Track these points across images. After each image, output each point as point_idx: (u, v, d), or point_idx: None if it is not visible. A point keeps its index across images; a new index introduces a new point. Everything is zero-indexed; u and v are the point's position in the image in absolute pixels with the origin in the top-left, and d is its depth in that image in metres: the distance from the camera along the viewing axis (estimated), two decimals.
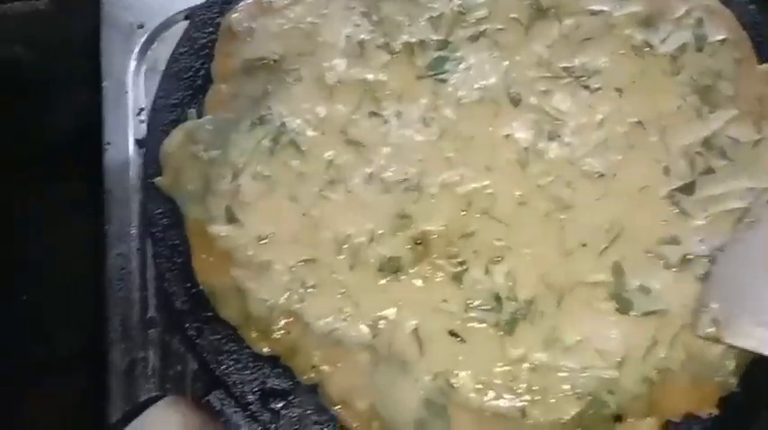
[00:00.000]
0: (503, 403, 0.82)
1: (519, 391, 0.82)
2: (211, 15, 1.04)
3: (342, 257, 0.88)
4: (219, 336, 0.86)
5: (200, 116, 0.98)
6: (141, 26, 1.23)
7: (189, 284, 0.88)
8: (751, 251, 0.85)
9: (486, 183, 0.92)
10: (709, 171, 0.93)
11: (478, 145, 0.94)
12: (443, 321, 0.86)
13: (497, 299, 0.86)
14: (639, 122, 0.95)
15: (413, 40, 1.00)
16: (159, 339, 1.02)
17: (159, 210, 0.93)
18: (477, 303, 0.86)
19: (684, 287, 0.86)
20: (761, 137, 0.94)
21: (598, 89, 0.97)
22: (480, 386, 0.83)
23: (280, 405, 0.84)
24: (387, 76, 0.98)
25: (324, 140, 0.94)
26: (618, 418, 0.82)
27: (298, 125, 0.95)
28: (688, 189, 0.92)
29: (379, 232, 0.89)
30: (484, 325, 0.85)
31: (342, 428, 0.83)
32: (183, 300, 0.88)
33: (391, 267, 0.87)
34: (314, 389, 0.84)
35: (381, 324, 0.85)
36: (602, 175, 0.92)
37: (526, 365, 0.83)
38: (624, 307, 0.85)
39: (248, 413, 0.83)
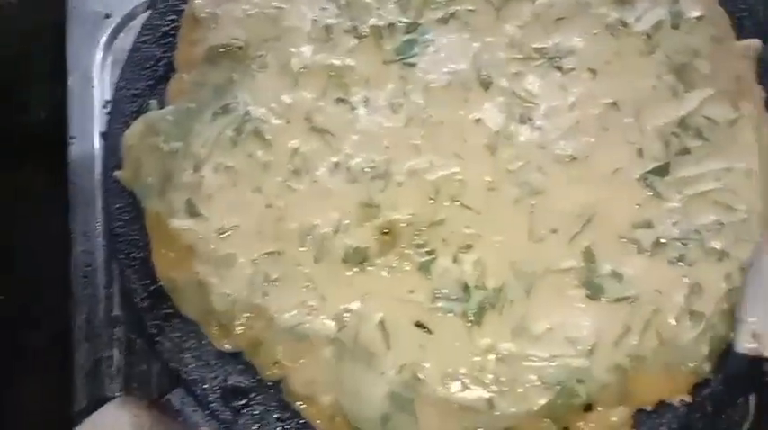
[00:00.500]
0: (470, 395, 0.80)
1: (486, 382, 0.80)
2: (174, 2, 1.01)
3: (307, 249, 0.86)
4: (180, 334, 0.85)
5: (162, 107, 0.95)
6: (108, 16, 1.20)
7: (148, 281, 0.86)
8: None
9: (456, 169, 0.89)
10: (685, 152, 0.90)
11: (448, 130, 0.91)
12: (410, 312, 0.84)
13: (465, 288, 0.84)
14: (614, 103, 0.92)
15: (381, 23, 0.97)
16: (125, 337, 1.00)
17: (119, 205, 0.90)
18: (444, 293, 0.83)
19: (657, 272, 0.84)
20: (737, 115, 0.92)
21: (571, 70, 0.94)
22: (447, 378, 0.80)
23: (241, 402, 0.82)
24: (354, 61, 0.95)
25: (289, 129, 0.92)
26: (588, 408, 0.80)
27: (262, 113, 0.92)
28: (662, 170, 0.89)
29: (345, 222, 0.87)
30: (451, 315, 0.83)
31: (305, 425, 0.80)
32: (142, 297, 0.86)
33: (357, 258, 0.85)
34: (277, 385, 0.82)
35: (347, 316, 0.83)
36: (574, 159, 0.89)
37: (494, 356, 0.81)
38: (595, 293, 0.83)
39: (209, 411, 0.82)
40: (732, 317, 0.84)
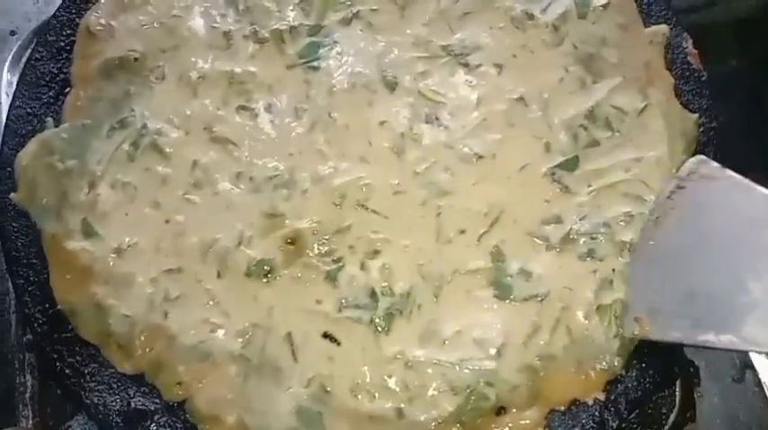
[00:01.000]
0: (379, 405, 0.78)
1: (395, 391, 0.79)
2: (69, 17, 0.98)
3: (208, 264, 0.84)
4: (80, 358, 0.81)
5: (59, 125, 0.92)
6: (14, 33, 1.17)
7: (47, 304, 0.83)
8: (660, 248, 0.81)
9: (362, 173, 0.88)
10: (594, 144, 0.89)
11: (352, 134, 0.90)
12: (318, 323, 0.82)
13: (372, 294, 0.82)
14: (520, 98, 0.91)
15: (282, 26, 0.95)
16: (38, 362, 0.96)
17: (15, 227, 0.87)
18: (351, 301, 0.81)
19: (566, 268, 0.84)
20: (646, 103, 0.91)
21: (477, 66, 0.93)
22: (356, 389, 0.79)
23: (145, 426, 0.79)
24: (255, 67, 0.93)
25: (188, 140, 0.90)
26: (500, 411, 0.78)
27: (160, 126, 0.90)
28: (571, 164, 0.89)
29: (248, 234, 0.85)
30: (359, 324, 0.81)
31: None
32: (40, 322, 0.83)
33: (261, 271, 0.83)
34: (181, 406, 0.79)
35: (252, 332, 0.81)
36: (480, 157, 0.88)
37: (402, 363, 0.80)
38: (503, 293, 0.82)
39: None
40: None
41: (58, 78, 0.95)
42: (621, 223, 0.85)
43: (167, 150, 0.89)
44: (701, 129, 0.91)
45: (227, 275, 0.83)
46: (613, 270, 0.84)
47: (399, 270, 0.84)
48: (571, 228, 0.85)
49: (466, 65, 0.93)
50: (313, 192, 0.87)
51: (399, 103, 0.91)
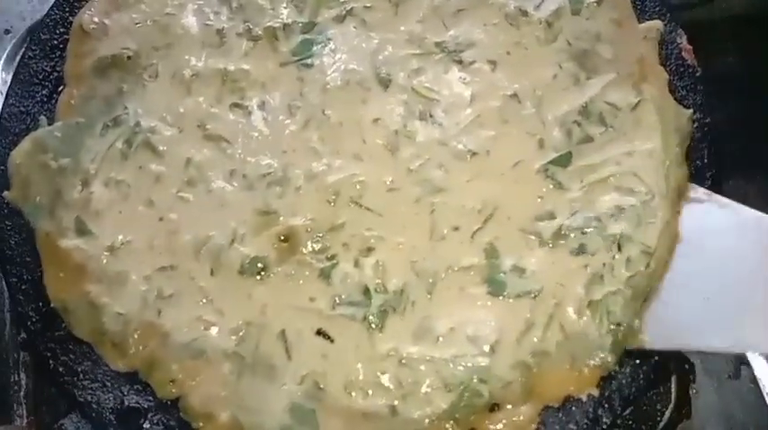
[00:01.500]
0: (373, 402, 0.78)
1: (389, 388, 0.78)
2: (63, 15, 0.98)
3: (202, 262, 0.83)
4: (74, 356, 0.82)
5: (52, 123, 0.91)
6: (8, 32, 1.17)
7: (41, 303, 0.83)
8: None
9: (356, 171, 0.87)
10: (588, 140, 0.89)
11: (346, 131, 0.90)
12: (311, 321, 0.82)
13: (366, 292, 0.82)
14: (514, 95, 0.91)
15: (276, 24, 0.95)
16: (32, 361, 0.97)
17: (9, 225, 0.87)
18: (344, 298, 0.81)
19: (559, 264, 0.83)
20: (639, 99, 0.91)
21: (471, 63, 0.93)
22: (350, 386, 0.78)
23: (139, 424, 0.79)
24: (249, 65, 0.93)
25: (182, 138, 0.90)
26: (493, 407, 0.78)
27: (154, 124, 0.90)
28: (564, 161, 0.88)
29: (242, 232, 0.84)
30: (353, 321, 0.81)
31: None
32: (33, 320, 0.83)
33: (255, 268, 0.83)
34: (175, 404, 0.79)
35: (246, 329, 0.81)
36: (474, 154, 0.88)
37: (395, 360, 0.80)
38: (497, 290, 0.82)
39: None
40: (636, 305, 0.82)
41: (51, 77, 0.95)
42: (612, 217, 0.85)
43: (161, 148, 0.88)
44: (696, 125, 0.91)
45: (220, 273, 0.83)
46: (604, 264, 0.84)
47: (393, 267, 0.83)
48: (563, 224, 0.85)
49: (460, 62, 0.93)
50: (307, 189, 0.87)
51: (393, 101, 0.91)
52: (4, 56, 1.15)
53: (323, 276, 0.83)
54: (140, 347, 0.81)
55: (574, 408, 0.80)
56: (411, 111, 0.90)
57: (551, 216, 0.85)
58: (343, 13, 0.96)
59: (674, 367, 0.92)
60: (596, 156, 0.89)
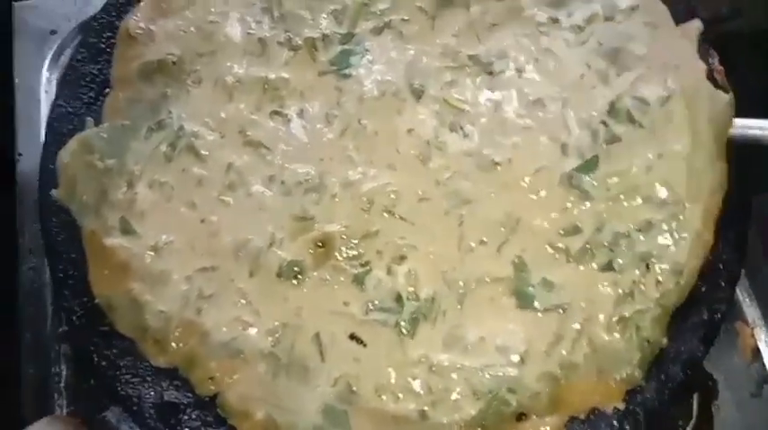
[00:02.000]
0: (403, 406, 0.80)
1: (419, 393, 0.80)
2: (110, 19, 1.01)
3: (241, 264, 0.86)
4: (116, 350, 0.84)
5: (98, 124, 0.95)
6: (54, 32, 1.20)
7: (86, 298, 0.86)
8: None
9: (389, 180, 0.90)
10: (615, 140, 0.89)
11: (381, 141, 0.92)
12: (345, 325, 0.84)
13: (398, 299, 0.84)
14: (539, 100, 0.92)
15: (315, 35, 0.97)
16: (72, 353, 1.00)
17: (56, 222, 0.90)
18: (377, 304, 0.83)
19: (586, 279, 0.85)
20: (670, 92, 0.90)
21: (501, 72, 0.95)
22: (381, 389, 0.81)
23: (178, 418, 0.82)
24: (289, 74, 0.96)
25: (223, 143, 0.92)
26: (520, 417, 0.80)
27: (197, 129, 0.93)
28: (590, 166, 0.89)
29: (280, 236, 0.87)
30: (385, 327, 0.83)
31: None
32: (78, 315, 0.86)
33: (292, 272, 0.86)
34: (212, 400, 0.82)
35: (282, 331, 0.83)
36: (496, 164, 0.89)
37: (426, 367, 0.82)
38: (526, 302, 0.84)
39: (145, 428, 0.81)
40: (665, 322, 0.83)
41: (98, 79, 0.98)
42: (641, 233, 0.86)
43: (203, 152, 0.91)
44: None
45: (258, 275, 0.86)
46: (633, 282, 0.85)
47: (424, 276, 0.86)
48: (589, 239, 0.86)
49: (490, 73, 0.95)
50: (342, 196, 0.89)
51: (426, 112, 0.93)
52: (50, 56, 1.18)
53: (357, 282, 0.85)
54: (180, 344, 0.83)
55: (599, 420, 0.82)
56: (442, 122, 0.93)
57: (577, 230, 0.87)
58: (381, 25, 0.99)
59: (697, 383, 0.93)
60: (624, 159, 0.88)
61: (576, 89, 0.91)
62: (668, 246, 0.86)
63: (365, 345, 0.83)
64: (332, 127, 0.93)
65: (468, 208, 0.88)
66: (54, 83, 1.16)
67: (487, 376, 0.81)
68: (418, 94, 0.94)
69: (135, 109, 0.94)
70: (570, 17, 0.96)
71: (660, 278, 0.85)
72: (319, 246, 0.87)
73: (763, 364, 0.99)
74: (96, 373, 0.85)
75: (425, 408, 0.80)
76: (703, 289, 0.85)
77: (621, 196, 0.87)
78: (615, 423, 0.81)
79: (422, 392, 0.81)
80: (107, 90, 0.97)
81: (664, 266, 0.85)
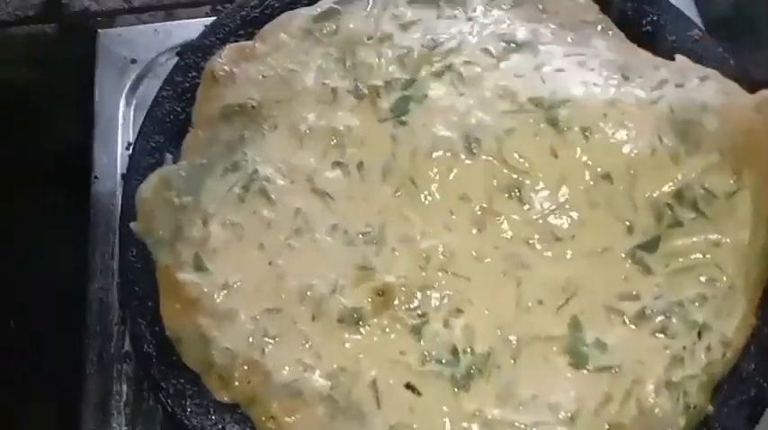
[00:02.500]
0: None
1: None
2: (196, 59, 1.06)
3: (304, 308, 0.90)
4: (183, 380, 0.88)
5: (176, 161, 1.00)
6: (134, 61, 1.26)
7: (157, 328, 0.91)
8: None
9: (445, 241, 0.92)
10: (677, 224, 0.91)
11: (434, 205, 0.94)
12: (401, 373, 0.87)
13: (454, 352, 0.87)
14: (607, 175, 0.92)
15: (379, 82, 1.00)
16: (134, 374, 1.05)
17: (133, 253, 0.95)
18: (434, 355, 0.86)
19: (640, 343, 0.87)
20: (738, 187, 0.91)
21: (565, 130, 0.93)
22: None
23: None
24: (352, 122, 0.98)
25: (292, 189, 0.96)
26: None
27: (269, 173, 0.96)
28: (652, 246, 0.91)
29: (342, 283, 0.90)
30: (440, 379, 0.86)
31: None
32: (150, 343, 0.90)
33: (352, 318, 0.89)
34: None
35: (341, 375, 0.87)
36: (559, 239, 0.91)
37: (480, 421, 0.84)
38: (579, 361, 0.86)
39: None
40: (710, 389, 0.86)
41: (180, 117, 1.03)
42: (695, 304, 0.88)
43: (273, 197, 0.95)
44: None
45: (320, 320, 0.89)
46: (684, 348, 0.87)
47: (480, 331, 0.88)
48: (646, 305, 0.88)
49: (554, 124, 0.93)
50: (400, 250, 0.92)
51: (481, 173, 0.94)
52: (129, 84, 1.23)
53: (414, 332, 0.88)
54: (244, 382, 0.87)
55: None
56: (499, 188, 0.93)
57: (635, 297, 0.89)
58: (443, 68, 0.99)
59: None
60: (683, 243, 0.91)
61: (645, 166, 0.91)
62: (718, 317, 0.88)
63: (420, 395, 0.86)
64: (387, 182, 0.95)
65: (526, 271, 0.90)
66: (131, 111, 1.22)
67: None
68: (473, 150, 0.94)
69: (212, 149, 0.99)
70: (641, 78, 0.96)
71: (710, 346, 0.87)
72: (379, 295, 0.90)
73: None
74: (162, 401, 0.89)
75: None
76: (752, 367, 0.87)
77: (678, 273, 0.89)
78: None
79: None
80: (187, 128, 1.02)
81: (713, 336, 0.87)
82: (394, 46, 1.03)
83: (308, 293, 0.90)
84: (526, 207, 0.93)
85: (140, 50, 1.26)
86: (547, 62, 0.99)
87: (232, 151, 0.98)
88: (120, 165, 1.18)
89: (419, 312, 0.89)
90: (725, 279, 0.89)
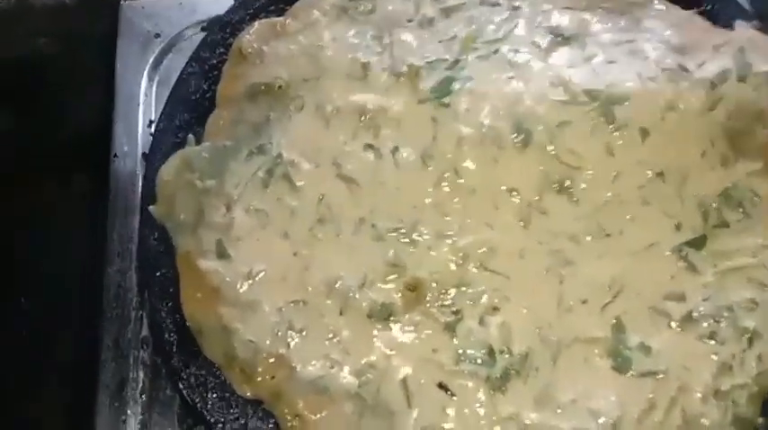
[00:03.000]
0: None
1: None
2: (224, 35, 1.01)
3: (331, 301, 0.85)
4: (205, 372, 0.85)
5: (199, 141, 0.95)
6: (158, 35, 1.21)
7: (178, 316, 0.87)
8: None
9: (486, 237, 0.87)
10: (723, 225, 0.88)
11: (478, 198, 0.89)
12: (433, 372, 0.83)
13: (491, 352, 0.82)
14: (660, 174, 0.89)
15: (421, 63, 0.95)
16: (151, 360, 1.01)
17: (154, 237, 0.91)
18: (469, 354, 0.82)
19: (686, 347, 0.82)
20: None
21: (622, 128, 0.90)
22: None
23: None
24: (387, 101, 0.93)
25: (317, 174, 0.91)
26: None
27: (294, 157, 0.92)
28: (699, 243, 0.87)
29: (371, 277, 0.86)
30: (475, 379, 0.82)
31: None
32: (171, 332, 0.86)
33: (382, 314, 0.85)
34: None
35: (369, 372, 0.83)
36: (608, 235, 0.87)
37: (516, 424, 0.80)
38: (622, 365, 0.82)
39: None
40: (760, 400, 0.81)
41: (207, 95, 0.98)
42: (745, 309, 0.84)
43: (298, 183, 0.90)
44: None
45: (349, 314, 0.85)
46: (733, 356, 0.82)
47: (518, 330, 0.84)
48: (694, 308, 0.84)
49: (611, 122, 0.90)
50: (435, 248, 0.87)
51: (530, 166, 0.90)
52: (151, 60, 1.19)
53: (448, 329, 0.84)
54: (267, 377, 0.83)
55: None
56: (549, 181, 0.89)
57: (681, 298, 0.84)
58: (490, 53, 0.95)
59: None
60: (731, 243, 0.87)
61: (696, 167, 0.88)
62: None
63: (454, 396, 0.81)
64: (427, 173, 0.90)
65: (570, 268, 0.85)
66: (154, 87, 1.17)
67: None
68: (523, 142, 0.90)
69: (237, 130, 0.94)
70: (700, 69, 0.92)
71: (761, 355, 0.82)
72: (410, 290, 0.86)
73: None
74: (182, 391, 0.85)
75: None
76: None
77: (727, 274, 0.85)
78: None
79: None
80: (212, 107, 0.97)
81: (765, 344, 0.82)
82: (437, 32, 0.98)
83: (336, 286, 0.86)
84: (576, 201, 0.88)
85: (164, 24, 1.21)
86: (597, 53, 0.95)
87: (258, 133, 0.94)
88: (141, 143, 1.13)
89: (453, 309, 0.85)
90: None
